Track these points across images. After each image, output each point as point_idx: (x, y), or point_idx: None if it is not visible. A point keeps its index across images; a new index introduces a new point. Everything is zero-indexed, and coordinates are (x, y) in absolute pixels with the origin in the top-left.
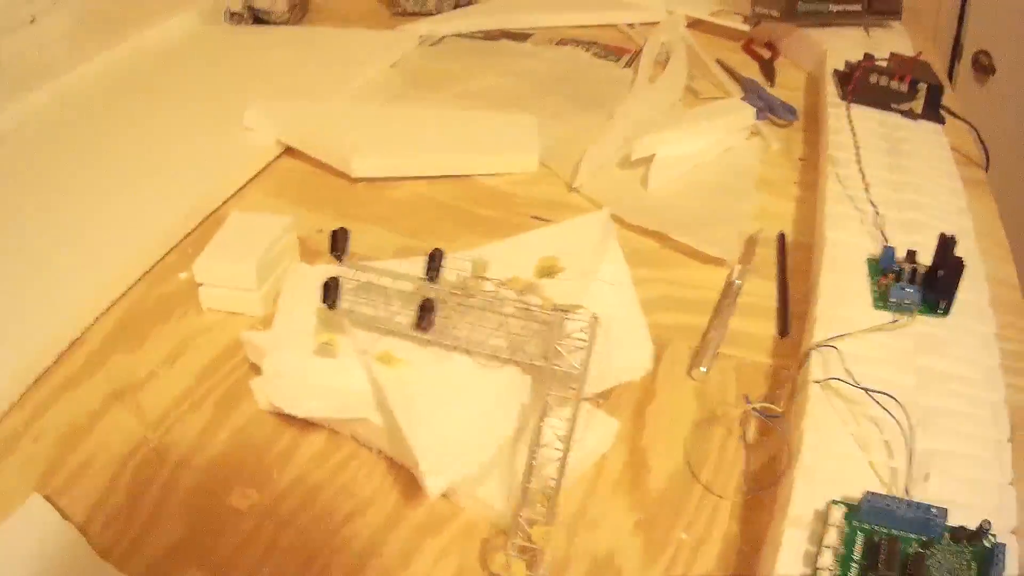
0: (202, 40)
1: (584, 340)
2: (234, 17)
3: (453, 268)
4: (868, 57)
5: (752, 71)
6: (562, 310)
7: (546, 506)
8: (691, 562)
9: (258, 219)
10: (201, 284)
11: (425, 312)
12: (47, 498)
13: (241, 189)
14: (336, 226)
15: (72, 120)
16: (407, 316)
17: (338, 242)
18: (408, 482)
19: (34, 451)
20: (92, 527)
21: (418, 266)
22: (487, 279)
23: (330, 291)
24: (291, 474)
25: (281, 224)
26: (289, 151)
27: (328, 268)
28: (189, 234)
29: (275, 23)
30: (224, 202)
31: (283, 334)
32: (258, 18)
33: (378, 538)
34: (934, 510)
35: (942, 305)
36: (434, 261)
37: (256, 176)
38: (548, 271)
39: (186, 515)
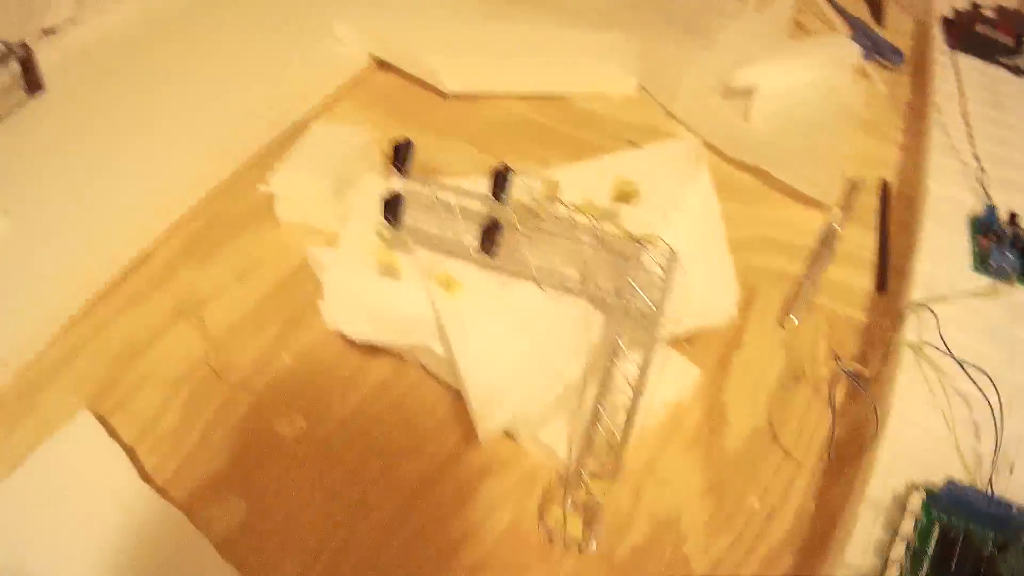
0: None
1: (661, 277)
2: None
3: (524, 188)
4: (975, 6)
5: (860, 11)
6: (638, 241)
7: (611, 457)
8: (761, 535)
9: (341, 131)
10: (277, 196)
11: (489, 234)
12: (100, 417)
13: (329, 102)
14: (422, 141)
15: (158, 34)
16: (473, 237)
17: (400, 154)
18: (471, 421)
19: (91, 367)
20: (140, 448)
21: (488, 186)
22: (560, 202)
23: (391, 207)
24: (351, 403)
25: (363, 137)
26: (380, 64)
27: (395, 182)
28: (271, 145)
29: None
30: (308, 114)
31: (347, 252)
32: None
33: (434, 477)
34: (1015, 509)
35: None
36: (500, 179)
37: (345, 88)
38: (625, 196)
39: (234, 441)
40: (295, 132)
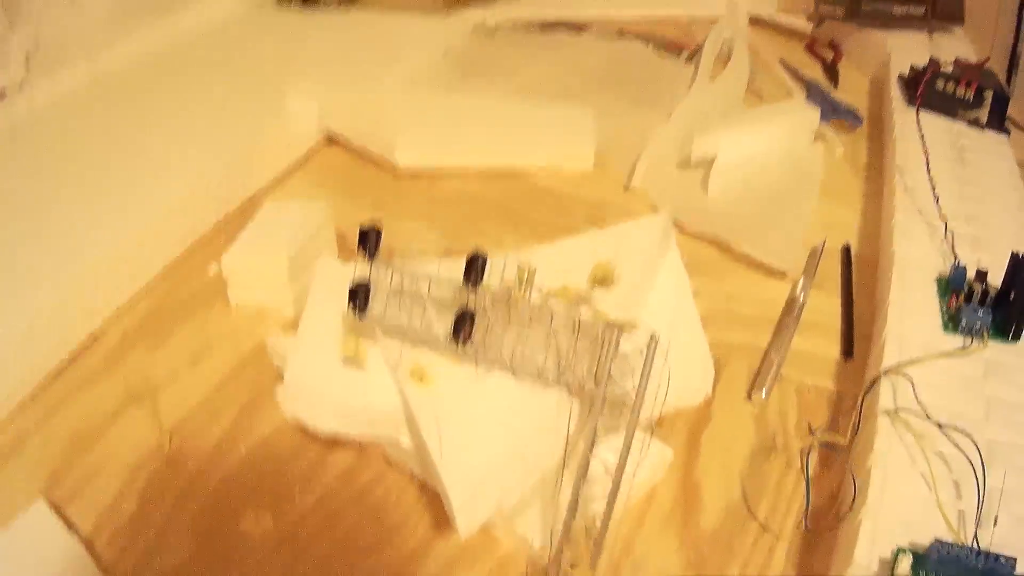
0: (247, 21)
1: (640, 362)
2: None
3: (496, 273)
4: (934, 62)
5: (815, 73)
6: (616, 327)
7: (590, 547)
8: None
9: (293, 208)
10: (230, 278)
11: (462, 323)
12: (53, 505)
13: (280, 178)
14: (378, 221)
15: (107, 100)
16: (444, 326)
17: (368, 240)
18: (441, 508)
19: (43, 453)
20: (98, 540)
21: (458, 270)
22: (534, 287)
23: (358, 297)
24: (314, 494)
25: (318, 214)
26: (332, 139)
27: (359, 267)
28: (222, 223)
29: (324, 5)
30: (261, 191)
31: (308, 339)
32: (307, 0)
33: (405, 571)
34: (1002, 559)
35: (1013, 330)
36: (474, 266)
37: (297, 165)
38: (602, 279)
39: (196, 535)
40: (247, 208)
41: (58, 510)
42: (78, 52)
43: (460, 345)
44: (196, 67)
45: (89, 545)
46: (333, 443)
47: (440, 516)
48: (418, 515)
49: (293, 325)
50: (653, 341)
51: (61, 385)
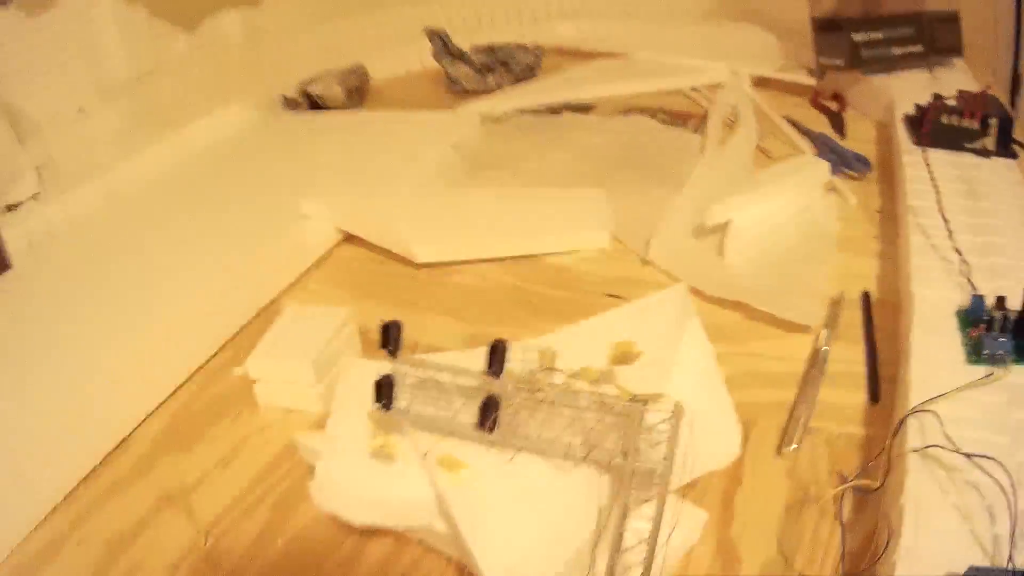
0: (257, 129)
1: (667, 432)
2: (290, 103)
3: (519, 359)
4: (937, 97)
5: (821, 125)
6: (641, 401)
7: None
8: None
9: (314, 312)
10: (256, 381)
11: (488, 411)
12: None
13: (299, 279)
14: (398, 316)
15: (124, 214)
16: (470, 414)
17: (390, 336)
18: None
19: (79, 557)
20: None
21: (481, 359)
22: (556, 370)
23: (383, 391)
24: None
25: (339, 317)
26: (349, 238)
27: (384, 364)
28: (244, 328)
29: (332, 108)
30: (281, 293)
31: (338, 436)
32: (315, 104)
33: None
34: None
35: None
36: (496, 354)
37: (315, 265)
38: (624, 357)
39: None
40: (269, 311)
41: None
42: (91, 165)
43: (487, 432)
44: (210, 176)
45: None
46: (369, 533)
47: None
48: None
49: (321, 423)
50: (678, 411)
51: (94, 489)
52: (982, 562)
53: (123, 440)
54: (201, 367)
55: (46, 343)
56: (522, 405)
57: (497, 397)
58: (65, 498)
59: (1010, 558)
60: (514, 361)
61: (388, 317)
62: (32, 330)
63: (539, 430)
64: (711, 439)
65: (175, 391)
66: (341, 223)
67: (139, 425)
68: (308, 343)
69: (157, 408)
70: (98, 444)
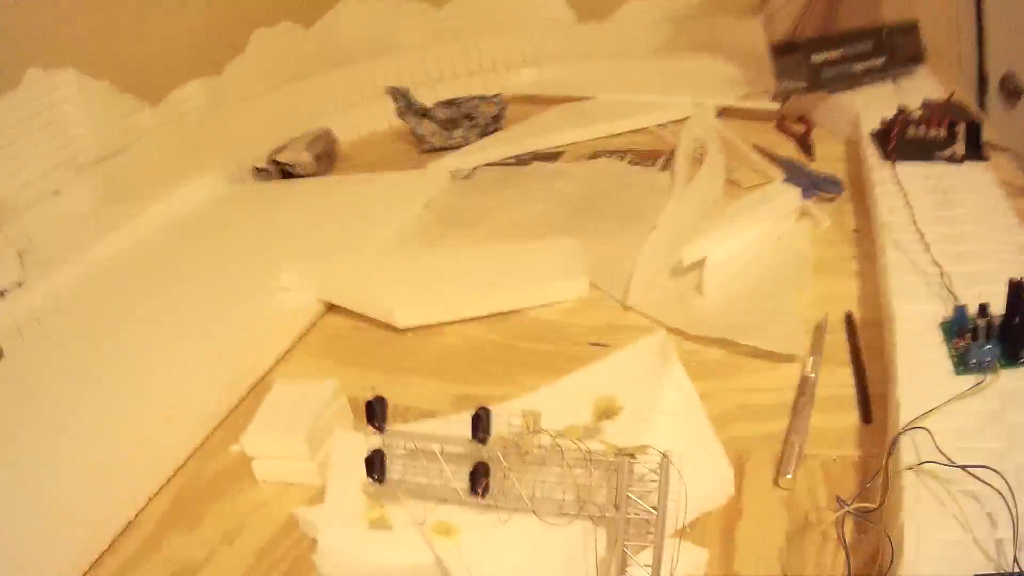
0: (229, 200)
1: (656, 481)
2: (260, 173)
3: (504, 421)
4: (901, 111)
5: (789, 149)
6: (627, 453)
7: None
8: None
9: (304, 387)
10: (253, 457)
11: (478, 478)
12: None
13: (286, 352)
14: (385, 382)
15: (103, 293)
16: (461, 480)
17: (376, 412)
18: None
19: None
20: None
21: (467, 423)
22: (542, 431)
23: (374, 465)
24: None
25: (328, 390)
26: (332, 307)
27: (374, 438)
28: (237, 405)
29: (302, 175)
30: (269, 367)
31: (335, 508)
32: (285, 172)
33: None
34: None
35: (1023, 355)
36: (480, 422)
37: (300, 337)
38: (607, 412)
39: None
40: (260, 386)
41: None
42: (69, 246)
43: (479, 497)
44: (186, 250)
45: None
46: None
47: None
48: None
49: (319, 496)
50: (666, 461)
51: (103, 573)
52: (986, 568)
53: (129, 523)
54: (199, 447)
55: (45, 432)
56: (511, 467)
57: (486, 463)
58: None
59: (1015, 560)
60: (500, 424)
61: (375, 382)
62: (30, 418)
63: (530, 490)
64: (703, 481)
65: (175, 472)
66: (321, 293)
67: (143, 508)
68: (300, 418)
69: (159, 490)
70: (104, 529)
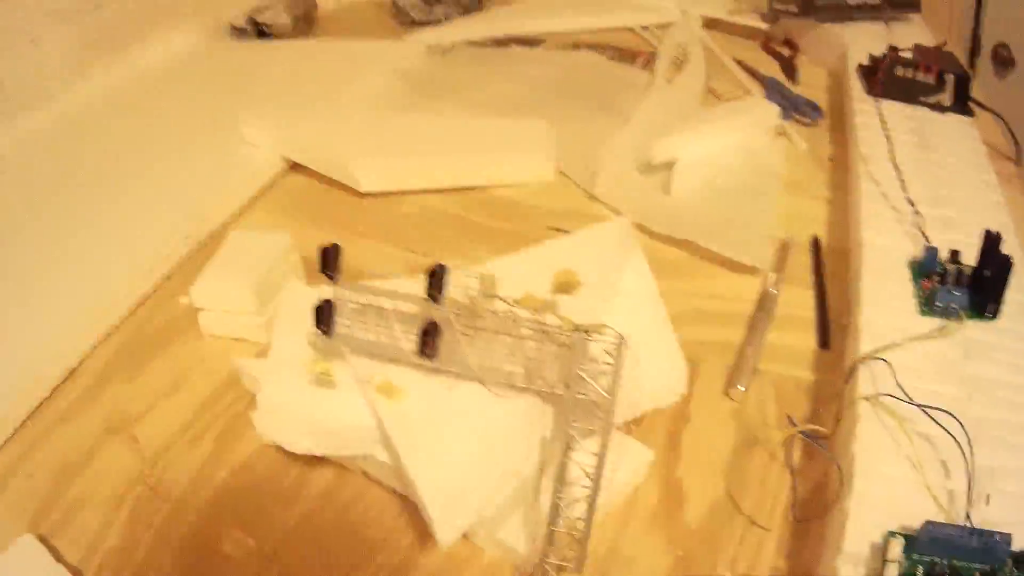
0: (204, 56)
1: (610, 364)
2: (237, 32)
3: (459, 285)
4: (892, 49)
5: (773, 70)
6: (583, 331)
7: (575, 549)
8: None
9: (258, 238)
10: (201, 309)
11: (428, 337)
12: (40, 538)
13: (244, 208)
14: (341, 244)
15: (71, 141)
16: (410, 341)
17: (329, 260)
18: (423, 522)
19: (27, 488)
20: (87, 570)
21: (422, 287)
22: (498, 297)
23: (323, 316)
24: (295, 513)
25: (282, 243)
26: (294, 167)
27: (324, 289)
28: (189, 257)
29: (279, 37)
30: (226, 221)
31: (278, 362)
32: (262, 32)
33: None
34: (997, 536)
35: (990, 308)
36: (436, 279)
37: (260, 194)
38: (565, 286)
39: (182, 560)
40: (213, 240)
41: (45, 543)
42: (40, 92)
43: (427, 359)
44: (156, 102)
45: (78, 574)
46: (313, 463)
47: (423, 529)
48: (401, 530)
49: (265, 353)
50: (621, 342)
51: (41, 422)
52: (936, 516)
53: (71, 372)
54: (147, 297)
55: None
56: (462, 332)
57: (437, 323)
58: (15, 431)
59: (967, 516)
60: (455, 287)
61: (327, 242)
62: None
63: (480, 358)
64: (656, 375)
65: (121, 322)
66: (285, 151)
67: (86, 357)
68: (250, 270)
69: (103, 339)
70: (45, 376)
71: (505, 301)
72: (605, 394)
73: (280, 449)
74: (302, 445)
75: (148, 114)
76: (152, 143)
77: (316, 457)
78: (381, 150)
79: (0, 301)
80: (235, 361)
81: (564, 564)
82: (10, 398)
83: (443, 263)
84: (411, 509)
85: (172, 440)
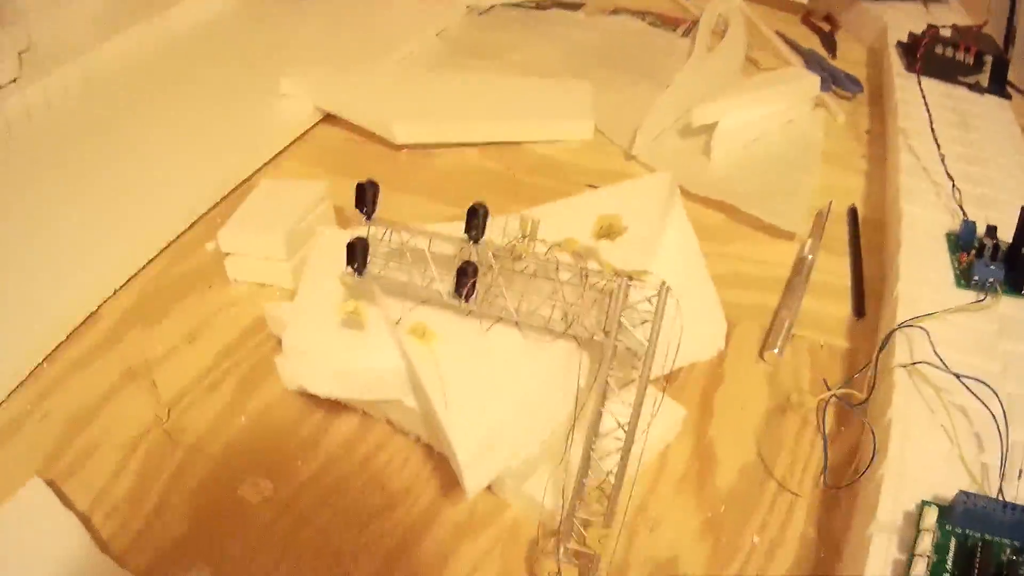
0: (238, 11)
1: (651, 312)
2: None
3: (500, 229)
4: (931, 27)
5: (813, 44)
6: (626, 276)
7: (604, 505)
8: (764, 569)
9: (290, 186)
10: (228, 254)
11: (465, 277)
12: (50, 482)
13: (276, 158)
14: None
15: (102, 96)
16: (446, 284)
17: (366, 196)
18: (447, 474)
19: (40, 432)
20: (95, 515)
21: (460, 230)
22: (539, 240)
23: (356, 253)
24: (316, 462)
25: (315, 191)
26: (328, 118)
27: (358, 230)
28: (218, 204)
29: None
30: (257, 171)
31: (307, 305)
32: None
33: (410, 538)
34: None
35: None
36: (476, 218)
37: (292, 145)
38: (609, 230)
39: (195, 507)
40: (244, 189)
41: (55, 488)
42: (71, 49)
43: (463, 301)
44: (190, 58)
45: (86, 520)
46: (336, 411)
47: (447, 481)
48: (424, 481)
49: (294, 296)
50: (664, 288)
51: (58, 365)
52: (969, 489)
53: (90, 315)
54: (172, 243)
55: (15, 218)
56: (501, 275)
57: (475, 264)
58: (30, 374)
59: (1000, 490)
60: (495, 231)
61: (381, 218)
62: (5, 207)
63: (517, 302)
64: (696, 327)
65: (145, 266)
66: (320, 102)
67: (107, 300)
68: (282, 217)
69: (126, 283)
70: (64, 320)
71: (545, 242)
72: (644, 342)
73: (302, 396)
74: (327, 388)
75: (182, 68)
76: (187, 95)
77: (339, 405)
78: (419, 104)
79: (23, 244)
80: (265, 305)
81: (591, 520)
82: (27, 340)
83: (484, 203)
84: (436, 460)
85: (191, 386)
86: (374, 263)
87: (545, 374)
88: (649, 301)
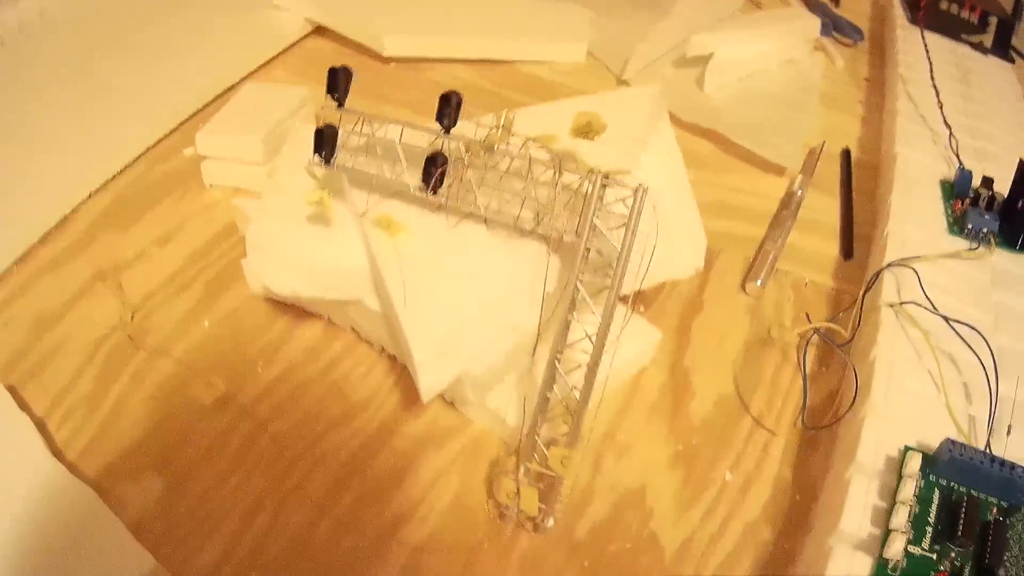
0: None
1: (627, 216)
2: None
3: (475, 126)
4: None
5: None
6: (602, 174)
7: (569, 424)
8: (735, 507)
9: (272, 90)
10: (205, 158)
11: (433, 167)
12: (11, 388)
13: (265, 67)
14: (363, 108)
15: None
16: (415, 177)
17: (338, 82)
18: (410, 386)
19: (6, 335)
20: (51, 420)
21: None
22: (513, 134)
23: (324, 140)
24: (277, 368)
25: (296, 95)
26: (319, 30)
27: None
28: (201, 111)
29: None
30: (243, 79)
31: (275, 200)
32: None
33: (367, 450)
34: (1021, 470)
35: (1021, 239)
36: (448, 107)
37: (281, 55)
38: (587, 128)
39: (151, 411)
40: (228, 96)
41: (13, 392)
42: None
43: (430, 193)
44: None
45: (42, 426)
46: (302, 317)
47: (409, 393)
48: (386, 391)
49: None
50: (640, 189)
51: (27, 269)
52: (955, 438)
53: (64, 218)
54: (152, 148)
55: (4, 113)
56: (472, 166)
57: (444, 154)
58: (0, 277)
59: (987, 445)
60: (470, 131)
61: (353, 106)
62: None
63: (488, 199)
64: (674, 242)
65: (123, 170)
66: (311, 13)
67: (82, 203)
68: (261, 120)
69: (102, 187)
70: (36, 223)
71: (520, 136)
72: (618, 246)
73: (268, 302)
74: (289, 287)
75: None
76: (177, 2)
77: (304, 312)
78: (410, 18)
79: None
80: (233, 200)
81: (555, 439)
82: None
83: (457, 91)
84: (399, 372)
85: (158, 289)
86: (344, 156)
87: (512, 276)
88: (624, 203)
